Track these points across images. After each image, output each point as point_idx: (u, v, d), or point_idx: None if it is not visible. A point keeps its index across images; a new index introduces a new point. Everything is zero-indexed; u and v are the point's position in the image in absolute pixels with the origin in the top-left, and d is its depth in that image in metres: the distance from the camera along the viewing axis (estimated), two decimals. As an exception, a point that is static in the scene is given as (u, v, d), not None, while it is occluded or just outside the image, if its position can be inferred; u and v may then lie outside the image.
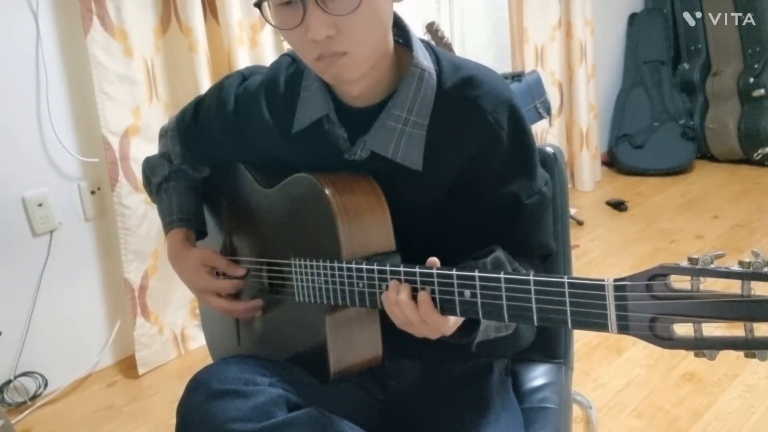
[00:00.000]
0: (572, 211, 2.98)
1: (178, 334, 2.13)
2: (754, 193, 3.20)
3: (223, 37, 2.02)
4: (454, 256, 0.83)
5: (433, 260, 0.75)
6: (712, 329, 0.55)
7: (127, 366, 2.06)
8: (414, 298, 0.74)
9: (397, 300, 0.74)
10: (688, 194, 3.27)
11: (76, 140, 1.88)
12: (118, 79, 1.84)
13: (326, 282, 0.82)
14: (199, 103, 1.03)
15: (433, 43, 0.90)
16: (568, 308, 0.62)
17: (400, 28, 0.86)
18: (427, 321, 0.74)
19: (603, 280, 0.60)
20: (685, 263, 0.56)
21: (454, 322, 0.76)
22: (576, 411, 1.16)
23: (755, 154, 3.49)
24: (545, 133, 3.25)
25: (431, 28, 2.31)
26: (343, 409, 0.85)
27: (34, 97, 1.79)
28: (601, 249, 2.73)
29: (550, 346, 1.12)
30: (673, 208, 3.11)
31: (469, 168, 0.86)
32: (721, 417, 1.63)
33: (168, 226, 1.06)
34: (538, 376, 1.08)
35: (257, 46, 2.09)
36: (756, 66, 3.48)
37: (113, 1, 1.79)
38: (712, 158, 3.69)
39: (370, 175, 0.87)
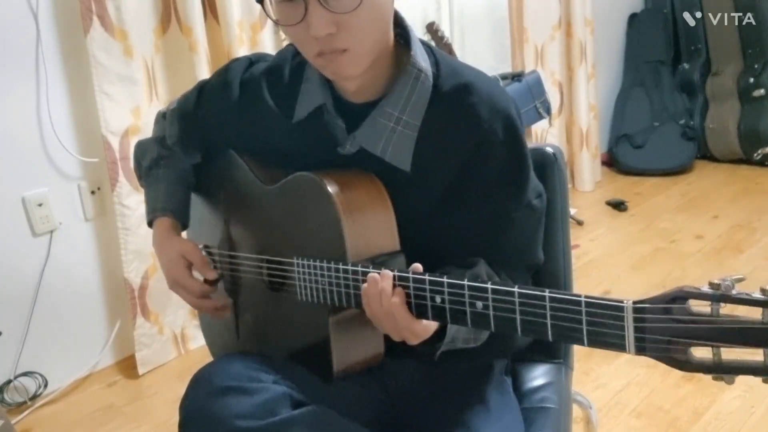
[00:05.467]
0: (572, 211, 2.98)
1: (178, 334, 2.13)
2: (754, 193, 3.20)
3: (223, 37, 2.02)
4: (441, 262, 0.83)
5: (417, 266, 0.75)
6: (731, 353, 0.55)
7: (127, 366, 2.06)
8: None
9: (379, 289, 0.74)
10: (688, 194, 3.27)
11: (76, 140, 1.88)
12: (118, 79, 1.84)
13: (330, 284, 0.82)
14: (203, 86, 1.03)
15: (433, 44, 0.90)
16: (584, 327, 0.61)
17: (401, 28, 0.86)
18: (397, 316, 0.74)
19: (622, 302, 0.59)
20: (706, 287, 0.55)
21: (425, 324, 0.75)
22: (576, 411, 1.16)
23: (755, 154, 3.49)
24: (545, 133, 3.25)
25: (431, 28, 2.31)
26: (346, 407, 0.85)
27: (34, 97, 1.79)
28: (601, 249, 2.73)
29: (551, 346, 1.12)
30: (673, 208, 3.11)
31: (460, 175, 0.85)
32: (721, 417, 1.63)
33: (154, 212, 1.05)
34: (538, 376, 1.08)
35: (257, 46, 2.09)
36: (756, 66, 3.48)
37: (113, 1, 1.79)
38: (712, 158, 3.69)
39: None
